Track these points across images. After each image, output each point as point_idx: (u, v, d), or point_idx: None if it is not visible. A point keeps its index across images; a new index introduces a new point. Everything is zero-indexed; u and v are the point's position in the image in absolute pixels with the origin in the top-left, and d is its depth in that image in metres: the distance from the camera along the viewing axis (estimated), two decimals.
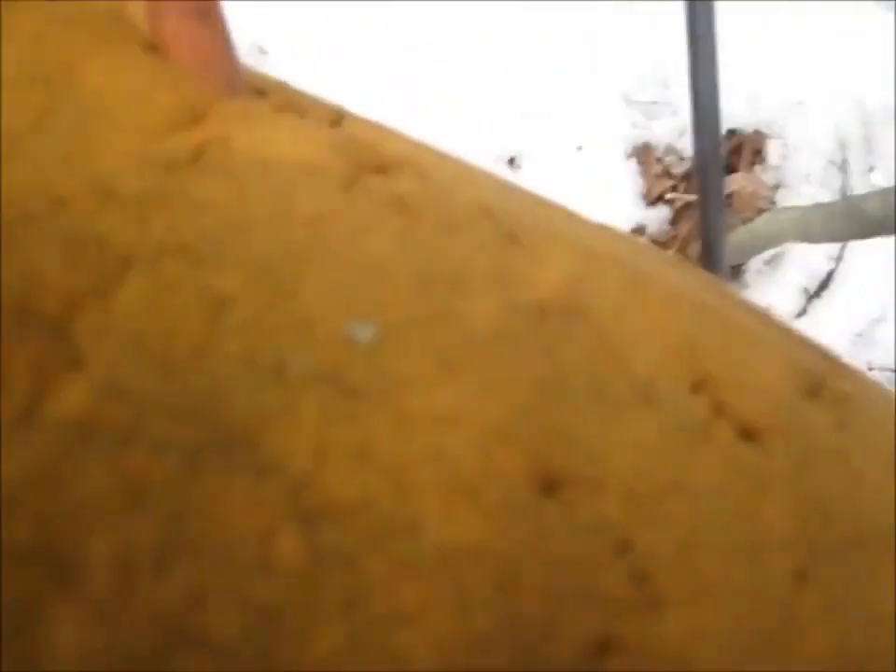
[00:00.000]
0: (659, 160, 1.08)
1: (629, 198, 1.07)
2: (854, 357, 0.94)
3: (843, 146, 1.04)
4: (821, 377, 0.18)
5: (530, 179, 1.04)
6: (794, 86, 1.07)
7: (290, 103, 0.18)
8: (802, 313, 1.01)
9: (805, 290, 1.01)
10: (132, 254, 0.14)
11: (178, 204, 0.14)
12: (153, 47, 0.17)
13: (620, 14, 1.10)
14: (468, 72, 1.09)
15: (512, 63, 1.09)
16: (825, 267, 1.02)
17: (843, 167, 1.02)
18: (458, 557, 0.12)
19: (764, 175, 1.07)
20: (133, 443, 0.12)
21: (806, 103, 1.07)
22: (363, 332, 0.14)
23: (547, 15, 1.10)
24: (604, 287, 0.16)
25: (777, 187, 1.07)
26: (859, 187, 1.04)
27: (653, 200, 1.08)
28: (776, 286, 1.03)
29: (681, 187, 1.08)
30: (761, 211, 1.03)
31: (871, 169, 1.06)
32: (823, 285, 1.02)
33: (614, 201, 1.06)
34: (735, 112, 1.06)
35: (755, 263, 1.03)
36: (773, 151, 1.07)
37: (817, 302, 1.02)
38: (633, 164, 1.08)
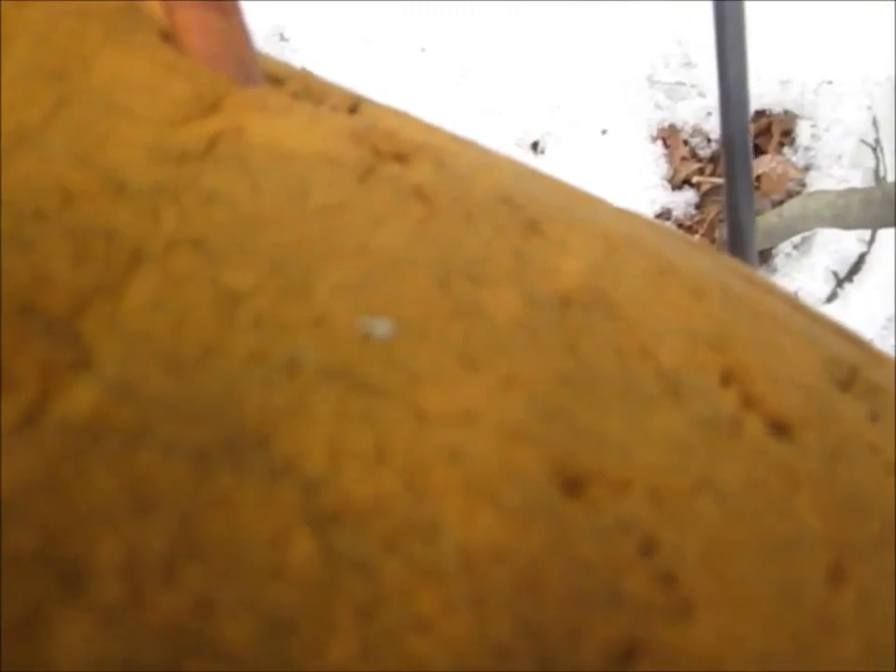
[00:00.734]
0: (685, 142, 1.07)
1: (654, 181, 1.06)
2: (885, 343, 0.93)
3: (875, 125, 1.02)
4: (855, 367, 0.17)
5: (554, 163, 1.03)
6: (824, 65, 1.05)
7: (308, 90, 0.18)
8: (832, 297, 0.99)
9: (835, 274, 1.00)
10: (142, 249, 0.13)
11: (190, 197, 0.14)
12: (167, 37, 0.17)
13: None
14: (490, 56, 1.08)
15: (534, 45, 1.08)
16: (856, 250, 1.00)
17: (876, 147, 1.00)
18: (478, 561, 0.12)
19: (794, 157, 1.05)
20: (142, 445, 0.11)
21: (837, 82, 1.05)
22: (379, 328, 0.13)
23: None
24: (628, 276, 0.16)
25: (806, 168, 1.05)
26: (892, 167, 1.02)
27: (679, 183, 1.06)
28: (805, 270, 1.01)
29: (708, 169, 1.07)
30: (790, 193, 1.02)
31: None
32: (854, 268, 1.00)
33: (639, 184, 1.05)
34: (763, 92, 1.04)
35: (784, 247, 1.01)
36: (802, 132, 1.05)
37: (847, 286, 1.00)
38: (658, 147, 1.07)
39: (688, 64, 1.08)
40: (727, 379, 0.15)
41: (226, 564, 0.11)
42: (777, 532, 0.14)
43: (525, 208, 0.16)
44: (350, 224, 0.15)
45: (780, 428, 0.15)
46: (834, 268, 1.00)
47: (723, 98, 0.44)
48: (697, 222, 1.06)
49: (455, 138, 0.19)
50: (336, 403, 0.12)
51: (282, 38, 1.10)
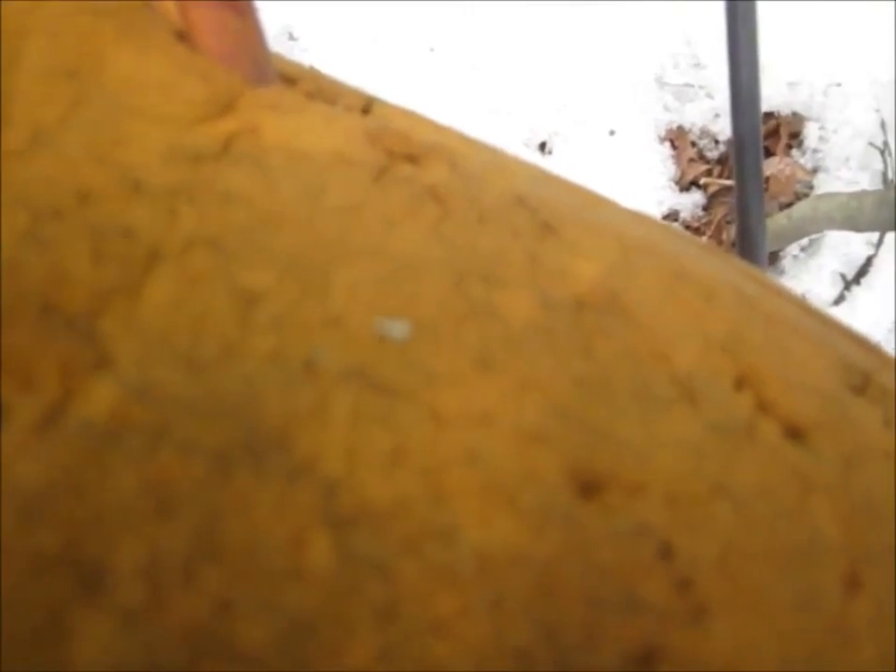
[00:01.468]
0: (693, 143, 1.07)
1: (662, 182, 1.06)
2: (891, 347, 0.92)
3: (883, 128, 1.02)
4: (867, 372, 0.17)
5: (561, 164, 1.03)
6: (833, 67, 1.05)
7: (321, 90, 0.18)
8: (839, 300, 0.99)
9: (843, 276, 0.99)
10: (159, 248, 0.13)
11: (206, 197, 0.14)
12: (182, 36, 0.17)
13: None
14: (498, 56, 1.08)
15: (543, 45, 1.08)
16: (864, 252, 1.00)
17: (884, 150, 1.00)
18: (495, 564, 0.12)
19: (802, 159, 1.05)
20: (162, 445, 0.11)
21: (845, 84, 1.04)
22: (395, 329, 0.13)
23: None
24: (642, 279, 0.16)
25: (814, 170, 1.04)
26: None
27: (687, 184, 1.06)
28: (812, 272, 1.01)
29: (716, 171, 1.06)
30: (797, 196, 1.01)
31: None
32: (862, 271, 1.00)
33: (646, 185, 1.05)
34: (771, 94, 1.03)
35: (791, 249, 1.01)
36: (811, 134, 1.05)
37: (855, 289, 0.99)
38: (666, 148, 1.07)
39: (697, 66, 1.08)
40: (741, 383, 0.15)
41: (244, 565, 0.11)
42: (793, 538, 0.14)
43: (538, 210, 0.16)
44: (366, 225, 0.15)
45: (795, 433, 0.15)
46: (842, 270, 1.00)
47: (734, 99, 0.44)
48: (705, 224, 1.05)
49: (465, 139, 0.19)
50: (353, 405, 0.12)
51: (291, 38, 1.10)
